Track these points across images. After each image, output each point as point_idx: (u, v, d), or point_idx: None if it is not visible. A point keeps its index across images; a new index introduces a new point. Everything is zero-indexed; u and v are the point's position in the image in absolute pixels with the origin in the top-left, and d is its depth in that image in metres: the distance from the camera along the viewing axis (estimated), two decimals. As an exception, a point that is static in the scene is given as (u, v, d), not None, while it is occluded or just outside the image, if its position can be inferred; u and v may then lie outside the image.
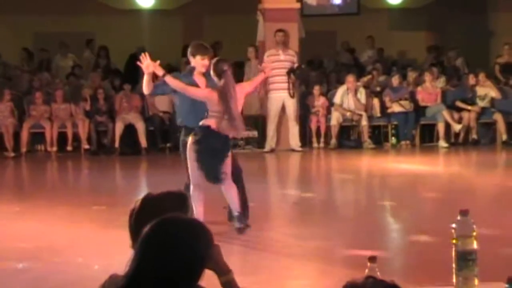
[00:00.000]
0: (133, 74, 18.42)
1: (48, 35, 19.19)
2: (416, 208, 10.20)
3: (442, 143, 16.50)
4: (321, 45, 19.74)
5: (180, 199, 3.31)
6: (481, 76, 17.19)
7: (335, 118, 16.60)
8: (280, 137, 16.20)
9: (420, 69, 18.56)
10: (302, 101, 16.90)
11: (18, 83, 17.70)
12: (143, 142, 16.19)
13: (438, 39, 20.85)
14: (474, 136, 16.79)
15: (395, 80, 17.17)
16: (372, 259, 3.03)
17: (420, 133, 17.03)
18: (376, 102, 17.09)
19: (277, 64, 15.96)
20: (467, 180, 12.64)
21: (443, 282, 3.68)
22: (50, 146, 16.32)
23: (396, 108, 16.85)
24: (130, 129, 16.34)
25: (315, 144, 16.66)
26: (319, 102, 16.86)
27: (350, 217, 9.93)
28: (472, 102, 16.97)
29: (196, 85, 8.39)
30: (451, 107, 16.93)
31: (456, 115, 16.82)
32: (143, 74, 8.57)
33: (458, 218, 3.37)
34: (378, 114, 17.02)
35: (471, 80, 17.23)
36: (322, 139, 16.68)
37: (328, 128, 16.69)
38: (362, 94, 16.78)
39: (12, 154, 15.85)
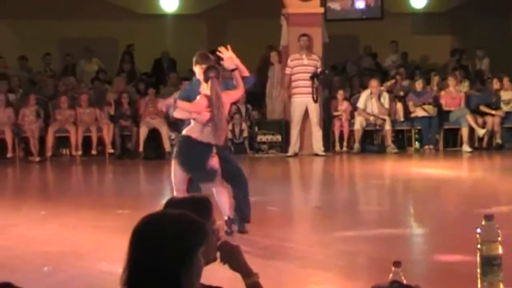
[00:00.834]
0: (158, 79, 18.55)
1: (73, 40, 19.30)
2: (440, 212, 10.16)
3: (466, 148, 16.44)
4: (344, 50, 19.73)
5: (203, 205, 3.32)
6: (506, 81, 17.12)
7: (359, 122, 16.58)
8: (303, 142, 16.20)
9: (444, 73, 18.50)
10: (325, 105, 16.89)
11: (43, 88, 17.82)
12: (167, 146, 16.24)
13: (462, 43, 20.78)
14: (498, 140, 16.71)
15: (419, 85, 17.13)
16: (397, 263, 3.04)
17: (443, 137, 16.98)
18: (399, 106, 17.06)
19: (301, 68, 16.01)
20: (491, 184, 12.58)
21: (468, 288, 3.68)
22: (75, 150, 16.41)
23: (419, 112, 16.80)
24: (154, 134, 16.40)
25: (338, 149, 16.65)
26: (343, 106, 16.85)
27: (373, 221, 9.91)
28: (496, 107, 16.89)
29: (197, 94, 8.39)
30: (475, 112, 16.86)
31: (480, 120, 16.75)
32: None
33: (483, 223, 3.36)
34: (402, 119, 16.98)
35: (495, 84, 17.16)
36: (345, 144, 16.67)
37: (351, 132, 16.68)
38: (385, 99, 16.75)
39: (37, 159, 15.95)
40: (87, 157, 16.32)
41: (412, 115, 16.91)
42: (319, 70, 16.06)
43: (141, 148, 16.33)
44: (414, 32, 20.89)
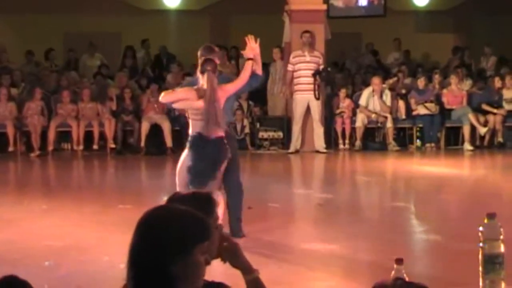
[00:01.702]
0: (160, 74, 18.56)
1: (76, 35, 19.31)
2: (442, 211, 10.17)
3: (467, 146, 16.44)
4: (346, 47, 19.74)
5: (205, 201, 3.32)
6: (508, 79, 17.11)
7: (360, 120, 16.59)
8: (305, 138, 16.21)
9: (446, 71, 18.50)
10: (327, 102, 16.90)
11: (46, 82, 17.83)
12: (168, 142, 16.24)
13: (465, 41, 20.77)
14: (499, 139, 16.71)
15: (421, 82, 17.13)
16: (399, 261, 3.05)
17: (445, 135, 16.98)
18: (401, 104, 17.06)
19: (303, 65, 16.02)
20: (493, 183, 12.59)
21: (470, 286, 3.69)
22: (76, 145, 16.42)
23: (421, 110, 16.80)
24: (156, 129, 16.41)
25: (340, 146, 16.66)
26: (345, 103, 16.86)
27: (375, 219, 9.92)
28: (498, 105, 16.89)
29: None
30: (477, 110, 16.86)
31: (481, 118, 16.75)
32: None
33: (485, 221, 3.37)
34: (403, 116, 16.98)
35: (497, 82, 17.16)
36: (347, 141, 16.68)
37: (353, 129, 16.69)
38: (387, 96, 16.76)
39: (37, 153, 15.95)
40: (89, 152, 16.33)
41: (414, 113, 16.91)
42: (321, 67, 16.06)
43: (142, 144, 16.34)
44: (416, 30, 20.88)
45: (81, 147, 16.40)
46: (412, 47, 20.04)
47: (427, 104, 16.80)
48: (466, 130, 16.59)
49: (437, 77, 17.60)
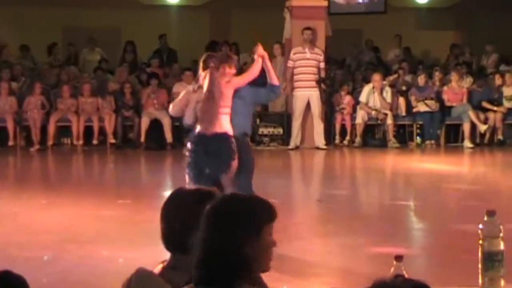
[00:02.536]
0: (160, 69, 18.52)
1: (76, 30, 19.28)
2: (441, 208, 10.17)
3: (467, 144, 16.43)
4: (347, 44, 19.71)
5: (207, 197, 3.31)
6: (508, 76, 17.10)
7: (360, 116, 16.59)
8: (305, 135, 16.21)
9: (446, 68, 18.48)
10: (327, 99, 16.89)
11: (46, 77, 17.81)
12: (168, 137, 16.24)
13: (465, 38, 20.75)
14: (499, 136, 16.71)
15: (421, 80, 17.12)
16: (399, 258, 3.04)
17: (445, 133, 16.97)
18: (401, 101, 17.05)
19: (303, 62, 16.02)
20: (493, 180, 12.58)
21: (469, 283, 3.68)
22: (76, 140, 16.41)
23: (421, 107, 16.80)
24: (156, 124, 16.40)
25: (339, 142, 16.65)
26: (345, 100, 16.85)
27: (374, 215, 9.92)
28: (498, 103, 16.89)
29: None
30: (477, 108, 16.85)
31: (482, 116, 16.74)
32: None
33: (485, 218, 3.37)
34: (404, 113, 16.98)
35: (498, 80, 17.15)
36: (347, 137, 16.68)
37: (353, 126, 16.68)
38: (387, 93, 16.75)
39: (37, 147, 15.94)
40: (89, 147, 16.32)
41: (414, 110, 16.91)
42: (321, 64, 16.05)
43: (142, 139, 16.33)
44: (417, 27, 20.86)
45: (81, 142, 16.39)
46: (413, 44, 20.03)
47: (427, 101, 16.80)
48: (466, 128, 16.58)
49: (437, 74, 17.59)
